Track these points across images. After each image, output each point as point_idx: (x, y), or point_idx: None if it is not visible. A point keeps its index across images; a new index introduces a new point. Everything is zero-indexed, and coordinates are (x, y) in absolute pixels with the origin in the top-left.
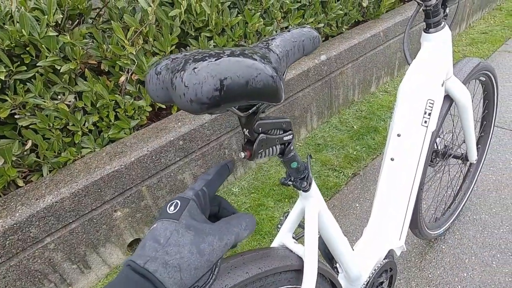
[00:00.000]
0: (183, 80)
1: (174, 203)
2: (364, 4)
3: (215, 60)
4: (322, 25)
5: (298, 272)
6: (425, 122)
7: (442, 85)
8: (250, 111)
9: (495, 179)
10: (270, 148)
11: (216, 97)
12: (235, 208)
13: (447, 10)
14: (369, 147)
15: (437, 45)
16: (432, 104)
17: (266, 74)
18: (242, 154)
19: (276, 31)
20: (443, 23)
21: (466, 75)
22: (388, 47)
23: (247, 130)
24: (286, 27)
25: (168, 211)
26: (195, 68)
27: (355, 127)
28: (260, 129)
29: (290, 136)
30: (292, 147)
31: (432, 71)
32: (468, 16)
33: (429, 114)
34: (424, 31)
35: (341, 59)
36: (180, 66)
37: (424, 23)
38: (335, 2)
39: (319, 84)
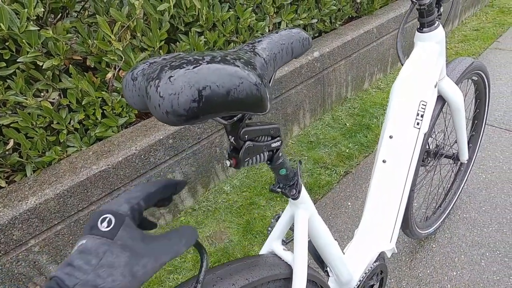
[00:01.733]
0: (158, 90)
1: (108, 219)
2: (358, 0)
3: (193, 67)
4: (315, 20)
5: (287, 280)
6: (418, 124)
7: (435, 86)
8: (235, 118)
9: (485, 178)
10: (258, 156)
11: (194, 108)
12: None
13: (441, 9)
14: (361, 144)
15: (431, 45)
16: (425, 105)
17: (249, 83)
18: (228, 163)
19: (269, 27)
20: (437, 22)
21: (459, 75)
22: (381, 44)
23: (233, 138)
24: (279, 23)
25: (100, 228)
26: (171, 76)
27: (347, 124)
28: (246, 136)
29: (279, 143)
30: (280, 154)
31: (425, 72)
32: (461, 13)
33: (422, 116)
34: (418, 31)
35: (334, 56)
36: (155, 73)
37: (418, 22)
38: None
39: (312, 81)
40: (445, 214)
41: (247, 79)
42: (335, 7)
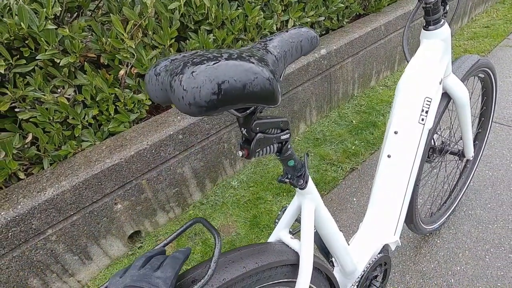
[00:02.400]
0: (181, 83)
1: None
2: None
3: (213, 64)
4: (322, 18)
5: (294, 266)
6: (422, 120)
7: (440, 83)
8: (248, 111)
9: (492, 175)
10: (268, 147)
11: (214, 100)
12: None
13: (447, 7)
14: (367, 142)
15: (436, 43)
16: (430, 102)
17: (263, 78)
18: (240, 153)
19: (277, 25)
20: (442, 20)
21: (465, 72)
22: (389, 41)
23: (245, 130)
24: (287, 21)
25: None
26: (193, 72)
27: (354, 121)
28: (257, 128)
29: (287, 135)
30: (289, 146)
31: (430, 69)
32: (470, 10)
33: (426, 112)
34: (424, 29)
35: (341, 53)
36: (179, 69)
37: (424, 20)
38: None
39: (319, 78)
40: (450, 211)
41: (261, 74)
42: (342, 5)
